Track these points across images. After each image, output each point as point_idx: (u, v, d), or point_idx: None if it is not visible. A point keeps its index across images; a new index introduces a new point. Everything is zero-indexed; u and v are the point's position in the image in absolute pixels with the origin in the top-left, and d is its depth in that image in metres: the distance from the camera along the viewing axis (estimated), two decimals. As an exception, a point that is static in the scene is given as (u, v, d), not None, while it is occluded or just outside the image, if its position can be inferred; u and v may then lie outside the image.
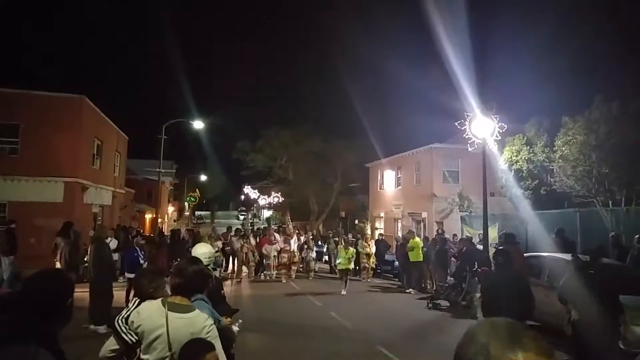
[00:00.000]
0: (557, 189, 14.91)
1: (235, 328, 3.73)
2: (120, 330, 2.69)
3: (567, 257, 7.21)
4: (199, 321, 2.57)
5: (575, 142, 13.71)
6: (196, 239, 15.11)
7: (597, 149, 13.05)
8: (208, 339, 2.49)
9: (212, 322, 2.66)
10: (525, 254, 9.73)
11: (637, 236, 9.34)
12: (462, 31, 14.85)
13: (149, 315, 2.57)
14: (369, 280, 16.49)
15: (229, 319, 3.60)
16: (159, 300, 2.66)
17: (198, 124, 24.12)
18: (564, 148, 14.17)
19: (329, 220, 35.79)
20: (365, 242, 17.28)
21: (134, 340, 2.60)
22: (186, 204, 53.85)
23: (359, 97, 29.04)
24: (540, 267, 8.80)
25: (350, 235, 20.01)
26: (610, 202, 12.83)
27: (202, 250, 3.94)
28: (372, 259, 17.20)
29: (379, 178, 29.41)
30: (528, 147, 17.12)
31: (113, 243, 12.42)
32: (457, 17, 14.98)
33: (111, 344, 2.75)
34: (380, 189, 29.15)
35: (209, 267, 4.02)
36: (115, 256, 12.10)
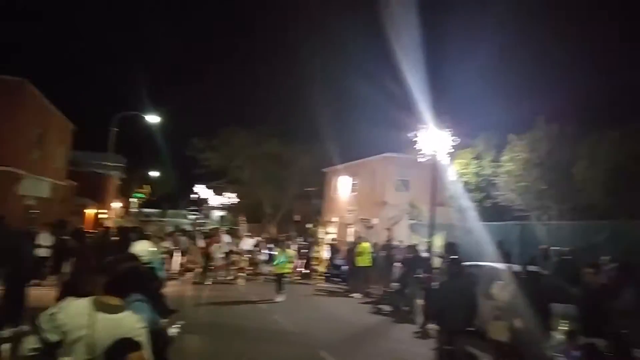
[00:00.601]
0: (501, 202, 15.70)
1: (173, 330, 3.60)
2: (40, 327, 2.50)
3: (503, 267, 7.57)
4: (127, 323, 2.42)
5: (519, 159, 14.53)
6: (140, 236, 14.44)
7: (538, 167, 13.90)
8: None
9: (143, 324, 2.54)
10: (464, 263, 10.14)
11: (551, 248, 10.15)
12: (417, 45, 15.23)
13: (75, 314, 2.40)
14: (312, 283, 16.50)
15: (166, 320, 3.47)
16: (88, 299, 2.50)
17: (152, 119, 23.17)
18: (509, 164, 14.97)
19: (283, 224, 35.61)
20: (318, 246, 17.32)
21: (54, 340, 2.41)
22: (134, 200, 51.67)
23: (318, 103, 29.26)
24: (477, 276, 9.18)
25: (301, 239, 19.90)
26: (547, 217, 13.67)
27: (141, 248, 3.79)
28: (323, 263, 17.25)
29: (334, 183, 29.67)
30: (477, 161, 17.92)
31: (48, 239, 11.61)
32: (412, 32, 15.34)
33: (32, 342, 2.53)
34: (335, 194, 29.41)
35: (149, 265, 3.86)
36: (46, 252, 11.25)
